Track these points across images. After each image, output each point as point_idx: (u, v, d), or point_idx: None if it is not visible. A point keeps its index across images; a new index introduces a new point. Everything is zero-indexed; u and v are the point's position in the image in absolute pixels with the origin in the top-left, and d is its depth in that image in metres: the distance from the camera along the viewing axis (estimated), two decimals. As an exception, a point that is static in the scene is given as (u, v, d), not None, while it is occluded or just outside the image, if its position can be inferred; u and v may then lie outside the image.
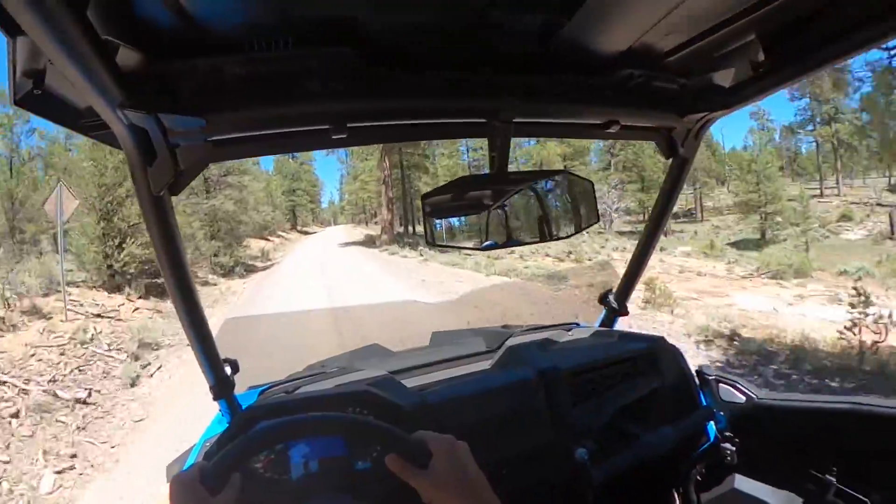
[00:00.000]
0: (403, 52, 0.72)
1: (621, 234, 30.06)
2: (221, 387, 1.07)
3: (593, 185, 0.91)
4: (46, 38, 0.44)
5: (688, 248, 21.50)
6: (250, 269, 18.41)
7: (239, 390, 1.20)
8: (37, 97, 0.64)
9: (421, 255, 19.77)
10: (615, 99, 0.88)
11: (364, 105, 0.75)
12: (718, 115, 0.95)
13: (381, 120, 0.82)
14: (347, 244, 30.43)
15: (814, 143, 42.21)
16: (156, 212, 0.76)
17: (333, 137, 0.76)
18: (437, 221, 0.81)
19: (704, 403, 1.29)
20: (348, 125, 0.75)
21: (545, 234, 0.90)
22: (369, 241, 29.07)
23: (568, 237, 0.91)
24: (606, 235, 27.29)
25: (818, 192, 37.42)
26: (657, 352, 1.30)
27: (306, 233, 60.93)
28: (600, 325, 1.53)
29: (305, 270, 16.30)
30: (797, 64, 0.74)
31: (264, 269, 19.36)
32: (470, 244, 0.86)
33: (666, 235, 31.65)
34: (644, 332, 1.43)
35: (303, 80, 0.69)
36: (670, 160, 1.11)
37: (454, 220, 0.85)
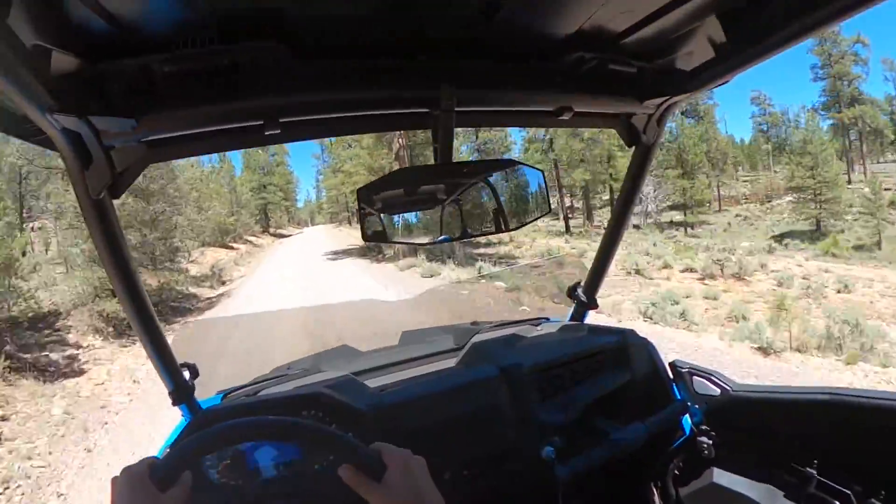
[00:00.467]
0: (333, 42, 0.74)
1: (661, 226, 28.01)
2: (180, 392, 1.09)
3: (544, 173, 0.92)
4: None
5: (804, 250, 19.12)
6: (182, 310, 11.34)
7: (208, 394, 1.23)
8: None
9: (476, 271, 13.35)
10: (567, 84, 0.89)
11: (295, 99, 0.77)
12: (681, 99, 0.96)
13: (316, 113, 0.84)
14: (337, 254, 21.17)
15: (829, 127, 40.16)
16: (96, 215, 0.79)
17: (267, 133, 0.78)
18: (378, 216, 0.83)
19: (679, 397, 1.32)
20: (281, 120, 0.77)
21: (499, 225, 0.92)
22: (365, 250, 19.86)
23: (520, 227, 0.92)
24: (644, 231, 25.55)
25: (846, 177, 35.35)
26: (627, 345, 1.33)
27: (281, 236, 52.03)
28: (570, 320, 1.57)
29: (278, 320, 7.64)
30: (760, 43, 0.74)
31: (209, 305, 12.06)
32: (418, 238, 0.88)
33: (693, 228, 30.12)
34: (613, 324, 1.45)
35: (232, 77, 0.71)
36: (632, 148, 1.13)
37: (404, 215, 0.86)
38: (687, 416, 1.31)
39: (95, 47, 0.63)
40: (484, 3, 0.70)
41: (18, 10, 0.50)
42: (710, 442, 1.24)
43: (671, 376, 1.35)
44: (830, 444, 1.04)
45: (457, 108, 0.82)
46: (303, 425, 0.69)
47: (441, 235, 0.89)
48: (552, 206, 0.98)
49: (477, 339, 1.37)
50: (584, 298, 1.48)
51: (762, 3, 0.70)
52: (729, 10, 0.73)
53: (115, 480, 0.63)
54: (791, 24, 0.68)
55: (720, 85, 0.89)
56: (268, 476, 0.94)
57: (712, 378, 1.28)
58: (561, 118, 0.94)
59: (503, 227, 0.93)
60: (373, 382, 1.20)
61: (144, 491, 0.61)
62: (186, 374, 1.11)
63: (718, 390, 1.26)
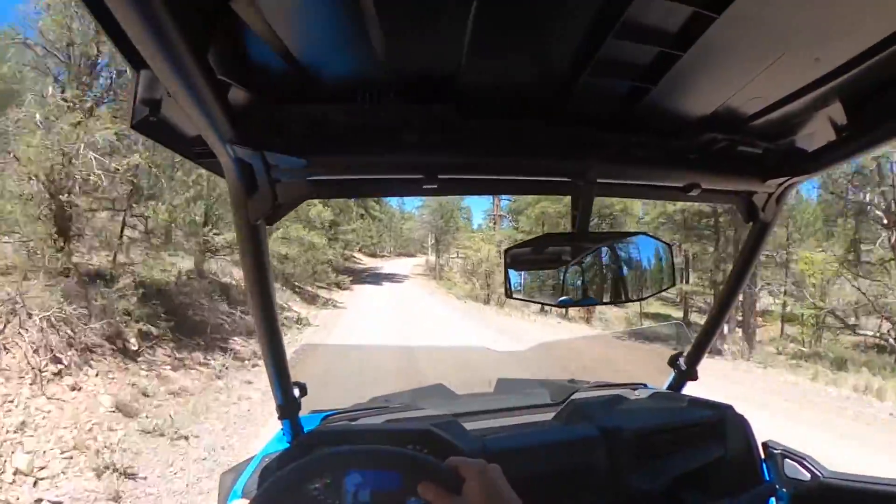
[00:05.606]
0: (495, 108, 0.79)
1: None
2: (288, 407, 1.14)
3: (671, 247, 0.96)
4: (167, 72, 0.49)
5: None
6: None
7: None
8: (152, 123, 0.71)
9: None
10: (698, 162, 0.92)
11: (456, 159, 0.82)
12: (801, 179, 0.97)
13: (471, 173, 0.90)
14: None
15: None
16: (251, 239, 0.85)
17: (424, 187, 0.84)
18: (517, 275, 0.89)
19: (768, 478, 1.26)
20: (439, 176, 0.83)
21: (621, 294, 0.95)
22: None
23: (643, 299, 0.96)
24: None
25: None
26: (724, 420, 1.29)
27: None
28: (668, 388, 1.53)
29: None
30: (881, 128, 0.75)
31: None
32: (547, 299, 0.93)
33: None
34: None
35: (400, 131, 0.76)
36: (749, 225, 1.13)
37: (534, 275, 0.92)
38: (773, 499, 1.24)
39: (277, 88, 0.69)
40: (634, 87, 0.75)
41: (215, 45, 0.55)
42: None
43: (763, 456, 1.29)
44: None
45: (598, 180, 0.86)
46: (377, 450, 0.72)
47: (564, 297, 0.91)
48: (677, 280, 1.00)
49: (577, 396, 1.37)
50: (684, 368, 1.45)
51: (884, 92, 0.71)
52: (852, 96, 0.75)
53: None
54: None
55: (839, 166, 0.89)
56: (363, 501, 0.95)
57: (805, 462, 1.22)
58: (689, 193, 0.97)
59: (626, 296, 0.95)
60: (470, 426, 1.22)
61: None
62: (297, 392, 1.16)
63: (809, 475, 1.20)
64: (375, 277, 30.91)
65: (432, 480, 0.68)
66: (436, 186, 0.84)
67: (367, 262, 41.43)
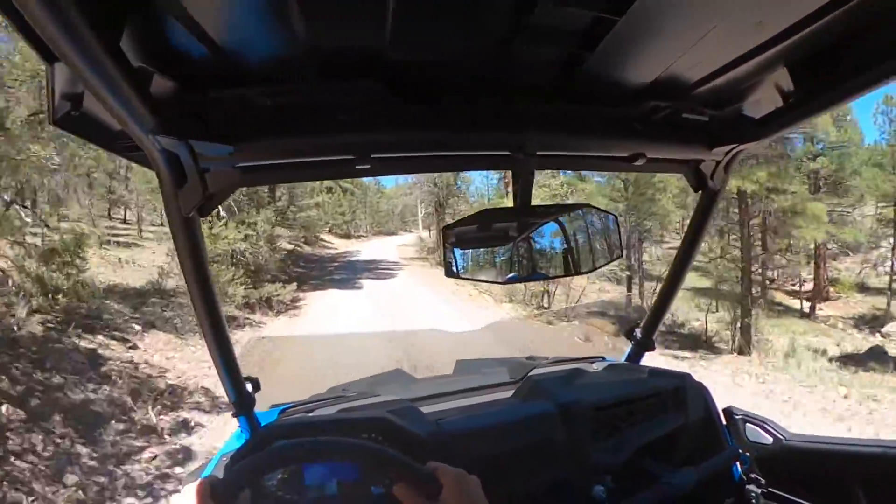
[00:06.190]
0: (426, 84, 0.77)
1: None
2: (242, 404, 1.13)
3: (617, 218, 0.95)
4: (80, 65, 0.48)
5: None
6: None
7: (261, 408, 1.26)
8: (74, 119, 0.69)
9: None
10: (642, 131, 0.91)
11: (388, 137, 0.80)
12: (748, 146, 0.97)
13: (404, 151, 0.87)
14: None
15: None
16: (185, 232, 0.83)
17: (357, 168, 0.82)
18: (459, 253, 0.86)
19: (731, 443, 1.30)
20: (372, 156, 0.80)
21: (569, 267, 0.94)
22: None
23: (591, 271, 0.95)
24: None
25: None
26: (684, 389, 1.31)
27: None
28: (626, 360, 1.55)
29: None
30: (828, 93, 0.75)
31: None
32: (492, 276, 0.90)
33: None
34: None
35: (328, 112, 0.74)
36: (699, 193, 1.14)
37: (476, 253, 0.89)
38: (738, 463, 1.28)
39: (199, 74, 0.67)
40: (570, 55, 0.73)
41: (129, 33, 0.54)
42: (760, 491, 1.21)
43: (724, 422, 1.33)
44: (882, 500, 1.01)
45: (538, 153, 0.84)
46: (360, 445, 0.71)
47: (515, 275, 0.90)
48: (624, 252, 1.00)
49: (534, 373, 1.37)
50: (641, 339, 1.47)
51: (830, 56, 0.71)
52: (798, 61, 0.74)
53: (175, 498, 0.66)
54: (858, 76, 0.69)
55: (787, 132, 0.89)
56: (323, 493, 0.95)
57: (766, 426, 1.26)
58: (635, 163, 0.96)
59: (574, 269, 0.94)
60: (428, 409, 1.22)
61: None
62: (249, 387, 1.15)
63: (771, 438, 1.24)
64: (349, 271, 19.44)
65: (411, 483, 0.67)
66: (369, 167, 0.82)
67: (338, 245, 31.44)
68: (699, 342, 11.88)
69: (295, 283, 13.02)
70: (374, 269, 20.26)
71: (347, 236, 36.76)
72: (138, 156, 0.79)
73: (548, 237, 0.92)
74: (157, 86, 0.64)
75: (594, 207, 0.93)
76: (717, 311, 13.37)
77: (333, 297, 13.45)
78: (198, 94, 0.69)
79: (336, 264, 21.84)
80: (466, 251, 0.87)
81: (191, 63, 0.65)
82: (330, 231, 33.18)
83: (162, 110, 0.62)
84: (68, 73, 0.62)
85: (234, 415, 1.16)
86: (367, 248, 28.54)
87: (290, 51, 0.66)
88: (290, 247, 19.47)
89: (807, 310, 18.13)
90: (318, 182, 20.46)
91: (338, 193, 32.88)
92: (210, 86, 0.70)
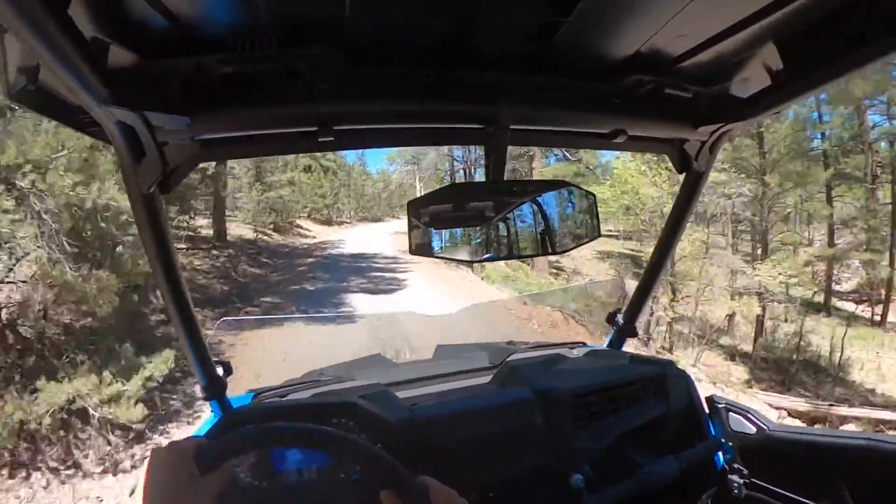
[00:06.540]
0: (391, 53, 0.74)
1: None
2: (213, 388, 1.11)
3: (595, 197, 0.91)
4: (28, 35, 0.47)
5: None
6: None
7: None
8: (31, 93, 0.68)
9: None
10: (622, 106, 0.88)
11: (350, 107, 0.77)
12: (735, 126, 0.95)
13: (370, 123, 0.84)
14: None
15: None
16: (145, 209, 0.80)
17: (320, 140, 0.78)
18: (425, 230, 0.82)
19: (713, 433, 1.29)
20: (335, 128, 0.77)
21: (546, 247, 0.90)
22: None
23: (567, 251, 0.91)
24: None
25: None
26: (666, 377, 1.29)
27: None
28: (608, 346, 1.54)
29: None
30: (817, 71, 0.72)
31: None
32: (463, 255, 0.86)
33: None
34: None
35: (287, 81, 0.71)
36: (682, 175, 1.11)
37: (445, 230, 0.85)
38: (720, 453, 1.27)
39: (153, 44, 0.64)
40: (544, 21, 0.69)
41: (82, 3, 0.52)
42: (742, 482, 1.21)
43: (707, 411, 1.32)
44: (865, 492, 1.01)
45: (512, 126, 0.81)
46: (355, 442, 0.68)
47: (487, 254, 0.87)
48: (601, 231, 0.97)
49: (513, 359, 1.35)
50: (623, 325, 1.45)
51: (820, 32, 0.68)
52: (786, 38, 0.72)
53: (154, 452, 0.62)
54: (849, 53, 0.67)
55: (775, 113, 0.87)
56: (291, 480, 0.94)
57: (749, 416, 1.25)
58: (615, 141, 0.93)
59: (550, 249, 0.91)
60: (404, 394, 1.19)
61: (186, 470, 0.60)
62: (220, 371, 1.13)
63: (754, 428, 1.23)
64: (330, 273, 12.67)
65: (399, 493, 0.64)
66: (332, 139, 0.79)
67: (317, 232, 25.62)
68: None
69: (221, 315, 7.42)
70: (366, 270, 13.37)
71: (328, 222, 32.89)
72: (97, 131, 0.76)
73: (523, 214, 0.88)
74: (113, 56, 0.61)
75: (572, 185, 0.89)
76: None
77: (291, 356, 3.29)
78: (153, 65, 0.67)
79: (311, 261, 15.01)
80: (432, 228, 0.83)
81: (144, 31, 0.62)
82: (309, 216, 29.64)
83: (116, 81, 0.61)
84: (23, 44, 0.60)
85: (205, 399, 1.13)
86: (352, 237, 22.82)
87: (246, 17, 0.64)
88: (252, 235, 16.05)
89: (876, 317, 13.98)
90: (292, 157, 19.65)
91: (317, 173, 30.10)
92: (164, 55, 0.67)
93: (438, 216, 0.83)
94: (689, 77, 0.84)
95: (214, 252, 12.54)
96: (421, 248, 0.81)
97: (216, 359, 1.12)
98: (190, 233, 12.00)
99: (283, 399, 1.23)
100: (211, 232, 13.83)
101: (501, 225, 0.87)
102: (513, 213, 0.88)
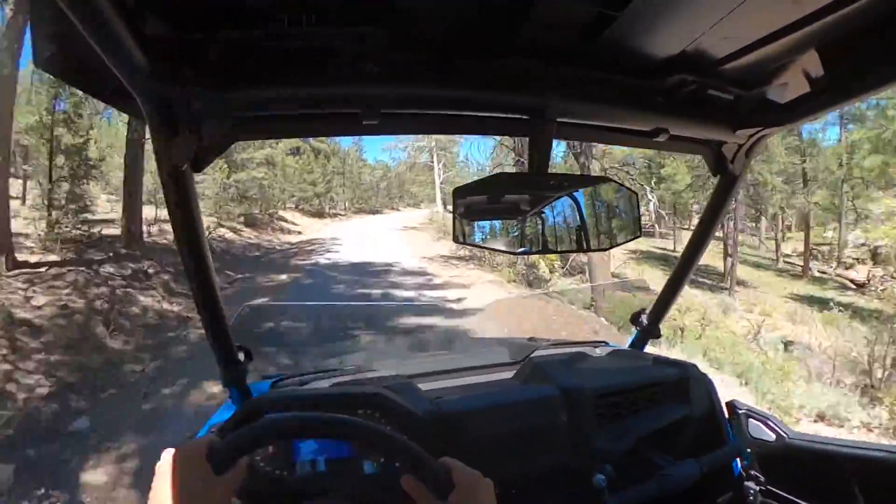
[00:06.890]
0: (442, 38, 0.72)
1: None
2: (233, 373, 1.09)
3: (638, 195, 0.89)
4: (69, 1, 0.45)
5: None
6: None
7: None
8: (59, 60, 0.65)
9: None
10: (665, 105, 0.87)
11: (397, 91, 0.75)
12: (773, 131, 0.95)
13: (416, 108, 0.82)
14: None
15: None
16: (176, 187, 0.78)
17: (364, 123, 0.77)
18: (469, 220, 0.81)
19: (732, 438, 1.29)
20: (381, 111, 0.75)
21: (582, 244, 0.89)
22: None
23: (605, 250, 0.90)
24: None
25: None
26: (687, 379, 1.29)
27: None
28: (630, 346, 1.53)
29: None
30: (858, 80, 0.73)
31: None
32: (502, 246, 0.85)
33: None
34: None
35: (331, 61, 0.69)
36: (717, 177, 1.10)
37: (488, 220, 0.84)
38: (738, 459, 1.27)
39: (194, 16, 0.62)
40: (595, 15, 0.68)
41: None
42: (758, 489, 1.21)
43: (727, 416, 1.32)
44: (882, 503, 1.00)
45: (558, 119, 0.80)
46: (373, 429, 0.66)
47: (523, 247, 0.86)
48: (642, 231, 0.96)
49: (536, 355, 1.35)
50: (647, 326, 1.45)
51: (862, 42, 0.68)
52: (829, 45, 0.72)
53: (166, 454, 0.61)
54: (890, 64, 0.67)
55: (813, 119, 0.88)
56: (313, 470, 0.93)
57: (769, 422, 1.25)
58: (655, 139, 0.92)
59: (586, 246, 0.89)
60: (426, 386, 1.19)
61: (200, 470, 0.59)
62: (241, 357, 1.11)
63: (774, 436, 1.23)
64: (306, 331, 2.21)
65: (420, 477, 0.63)
66: (377, 122, 0.77)
67: (304, 226, 21.77)
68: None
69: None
70: (385, 314, 4.54)
71: (320, 214, 27.30)
72: (126, 102, 0.74)
73: (563, 209, 0.86)
74: (152, 27, 0.59)
75: (614, 181, 0.87)
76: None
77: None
78: (194, 37, 0.64)
79: (285, 278, 10.51)
80: (476, 217, 0.82)
81: (186, 3, 0.61)
82: (297, 207, 25.48)
83: (155, 53, 0.59)
84: (53, 9, 0.56)
85: (224, 385, 1.11)
86: (349, 234, 18.03)
87: None
88: (225, 232, 12.75)
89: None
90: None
91: (307, 155, 24.62)
92: (206, 27, 0.64)
93: (482, 206, 0.82)
94: (731, 80, 0.84)
95: (108, 268, 7.49)
96: (464, 238, 0.80)
97: (238, 344, 1.10)
98: (81, 230, 8.13)
99: (301, 388, 1.21)
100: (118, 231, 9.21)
101: (542, 218, 0.86)
102: (553, 206, 0.86)
